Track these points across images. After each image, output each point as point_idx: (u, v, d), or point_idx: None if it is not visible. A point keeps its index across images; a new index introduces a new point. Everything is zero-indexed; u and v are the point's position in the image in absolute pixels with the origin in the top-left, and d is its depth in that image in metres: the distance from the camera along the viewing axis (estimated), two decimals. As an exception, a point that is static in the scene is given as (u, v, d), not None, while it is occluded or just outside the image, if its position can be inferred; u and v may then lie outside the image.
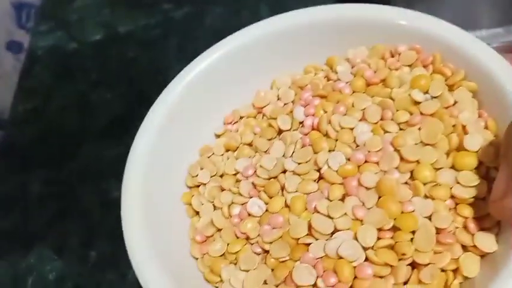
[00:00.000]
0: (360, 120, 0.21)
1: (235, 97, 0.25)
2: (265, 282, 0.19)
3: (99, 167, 0.28)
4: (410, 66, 0.23)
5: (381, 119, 0.21)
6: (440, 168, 0.19)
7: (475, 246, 0.18)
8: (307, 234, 0.19)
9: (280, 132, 0.23)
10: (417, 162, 0.19)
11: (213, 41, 0.24)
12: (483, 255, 0.18)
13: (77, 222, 0.27)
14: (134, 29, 0.37)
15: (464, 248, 0.18)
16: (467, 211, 0.18)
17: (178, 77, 0.24)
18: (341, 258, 0.18)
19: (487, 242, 0.18)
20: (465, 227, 0.18)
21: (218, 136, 0.25)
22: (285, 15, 0.25)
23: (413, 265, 0.18)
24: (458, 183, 0.19)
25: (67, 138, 0.31)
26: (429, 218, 0.19)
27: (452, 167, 0.19)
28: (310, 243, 0.19)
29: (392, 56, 0.23)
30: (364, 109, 0.22)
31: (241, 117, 0.25)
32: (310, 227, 0.19)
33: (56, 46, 0.36)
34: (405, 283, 0.18)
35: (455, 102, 0.21)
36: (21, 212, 0.29)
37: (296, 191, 0.21)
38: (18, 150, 0.31)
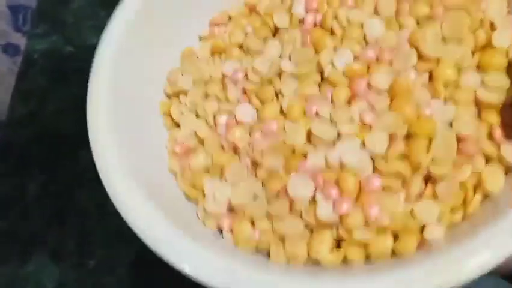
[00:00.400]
0: (372, 14, 0.18)
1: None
2: (255, 198, 0.17)
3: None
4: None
5: (397, 13, 0.18)
6: (464, 70, 0.16)
7: (500, 157, 0.15)
8: (305, 143, 0.17)
9: (276, 31, 0.20)
10: (438, 61, 0.17)
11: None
12: (508, 171, 0.15)
13: (74, 226, 0.28)
14: (130, 32, 0.35)
15: (488, 160, 0.16)
16: (494, 117, 0.16)
17: None
18: (344, 168, 0.16)
19: (515, 152, 0.15)
20: (490, 136, 0.16)
21: (203, 39, 0.22)
22: None
23: (428, 180, 0.16)
24: (484, 85, 0.16)
25: (63, 141, 0.31)
26: (450, 124, 0.16)
27: (478, 69, 0.16)
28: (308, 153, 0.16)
29: None
30: (376, 2, 0.18)
31: (230, 18, 0.22)
32: (309, 134, 0.17)
33: (52, 49, 0.35)
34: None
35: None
36: (19, 215, 0.29)
37: (294, 95, 0.18)
38: (15, 153, 0.31)
